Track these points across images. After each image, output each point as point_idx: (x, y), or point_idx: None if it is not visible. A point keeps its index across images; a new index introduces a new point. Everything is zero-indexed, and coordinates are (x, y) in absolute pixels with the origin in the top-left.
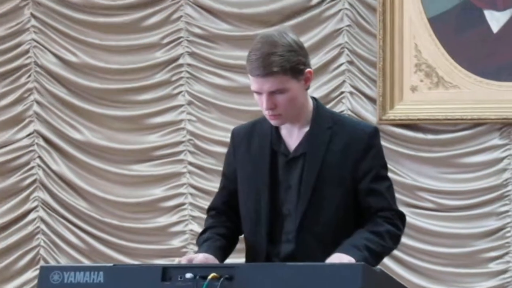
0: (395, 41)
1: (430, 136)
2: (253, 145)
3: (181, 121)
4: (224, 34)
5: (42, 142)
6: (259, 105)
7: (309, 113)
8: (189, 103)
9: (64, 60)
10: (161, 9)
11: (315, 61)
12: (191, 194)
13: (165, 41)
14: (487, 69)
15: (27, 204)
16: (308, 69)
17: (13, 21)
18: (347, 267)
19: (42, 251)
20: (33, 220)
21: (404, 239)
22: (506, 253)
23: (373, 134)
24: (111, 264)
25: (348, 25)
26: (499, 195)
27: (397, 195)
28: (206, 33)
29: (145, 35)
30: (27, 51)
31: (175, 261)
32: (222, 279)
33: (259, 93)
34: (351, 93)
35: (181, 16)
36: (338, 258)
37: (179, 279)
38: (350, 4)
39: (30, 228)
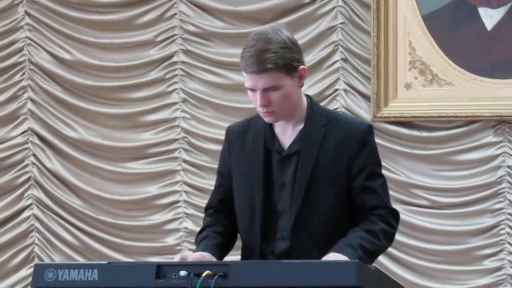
0: (389, 38)
1: (424, 134)
2: (247, 142)
3: (175, 118)
4: (218, 32)
5: (36, 140)
6: (253, 103)
7: (303, 111)
8: (184, 100)
9: (58, 57)
10: (155, 7)
11: (309, 58)
12: (185, 191)
13: (159, 38)
14: (481, 66)
15: (21, 202)
16: (302, 66)
17: (7, 19)
18: (341, 265)
19: (36, 249)
20: (28, 218)
21: (398, 237)
22: (501, 251)
23: (367, 131)
24: (106, 262)
25: (342, 23)
26: (494, 193)
27: (391, 193)
28: (200, 30)
29: (139, 33)
30: (21, 49)
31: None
32: (216, 276)
33: (253, 90)
34: (345, 90)
35: (175, 14)
36: (333, 257)
37: (173, 276)
38: (344, 2)
39: (24, 226)
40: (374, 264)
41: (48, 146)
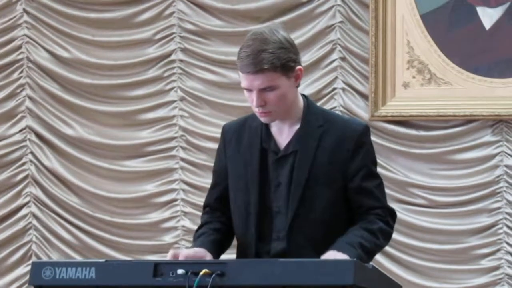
0: (388, 37)
1: (422, 133)
2: (243, 142)
3: (173, 117)
4: (217, 30)
5: (34, 138)
6: (249, 102)
7: (299, 111)
8: (181, 99)
9: (56, 55)
10: (153, 5)
11: (307, 57)
12: (183, 190)
13: (157, 37)
14: (479, 65)
15: (19, 199)
16: (298, 67)
17: (5, 16)
18: (339, 263)
19: (34, 247)
20: (25, 215)
21: (395, 236)
22: (498, 250)
23: (364, 132)
24: (103, 260)
25: (340, 22)
26: (491, 192)
27: (389, 192)
28: (198, 29)
29: (138, 31)
30: (19, 47)
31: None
32: (213, 275)
33: (249, 90)
34: (343, 89)
35: (173, 12)
36: (333, 256)
37: (171, 275)
38: (343, 1)
39: (22, 224)
40: (371, 263)
41: (46, 144)
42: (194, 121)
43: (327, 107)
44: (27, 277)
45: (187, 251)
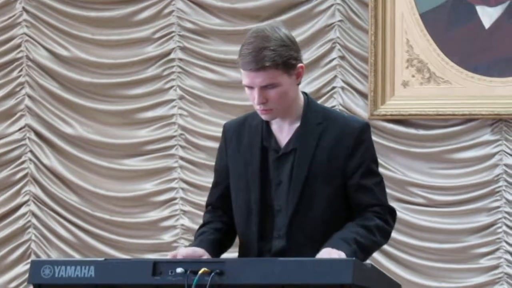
0: (387, 36)
1: (421, 132)
2: (244, 140)
3: (172, 115)
4: (216, 29)
5: (33, 136)
6: (250, 100)
7: (300, 109)
8: (181, 97)
9: (55, 54)
10: (152, 4)
11: (307, 56)
12: (182, 188)
13: (156, 35)
14: (479, 64)
15: (18, 198)
16: (300, 64)
17: (5, 15)
18: (338, 263)
19: (33, 245)
20: (24, 214)
21: (394, 234)
22: (497, 249)
23: (364, 129)
24: (102, 259)
25: (339, 20)
26: (490, 191)
27: (388, 190)
28: (197, 27)
29: (137, 30)
30: (19, 45)
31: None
32: (212, 273)
33: (250, 87)
34: (342, 88)
35: (172, 11)
36: (328, 253)
37: (170, 273)
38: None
39: (21, 222)
40: (370, 262)
41: (45, 143)
42: (193, 119)
43: (326, 105)
44: (26, 275)
45: (185, 250)
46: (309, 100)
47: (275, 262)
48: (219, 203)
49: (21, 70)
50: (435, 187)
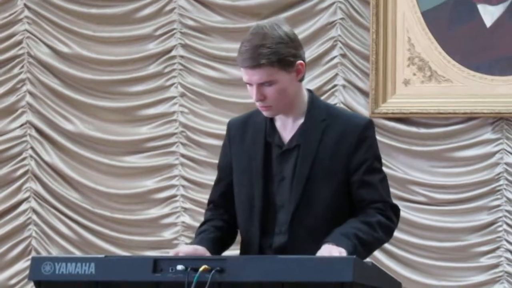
0: (388, 34)
1: (422, 130)
2: (248, 136)
3: (173, 113)
4: (217, 26)
5: (34, 133)
6: (251, 97)
7: (303, 105)
8: (182, 95)
9: (57, 51)
10: (154, 1)
11: (308, 54)
12: (183, 186)
13: (158, 32)
14: (480, 63)
15: (19, 194)
16: (299, 61)
17: (6, 11)
18: (338, 261)
19: (33, 242)
20: (25, 210)
21: (395, 233)
22: (498, 248)
23: (367, 126)
24: (103, 256)
25: (341, 18)
26: (491, 189)
27: None
28: (199, 25)
29: (138, 27)
30: (20, 42)
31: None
32: (213, 271)
33: (250, 84)
34: (343, 86)
35: (174, 8)
36: (328, 250)
37: (170, 271)
38: None
39: (22, 219)
40: (370, 260)
41: (46, 139)
42: (194, 117)
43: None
44: (27, 272)
45: (186, 248)
46: (313, 97)
47: (275, 259)
48: (221, 200)
49: (22, 67)
50: (436, 185)
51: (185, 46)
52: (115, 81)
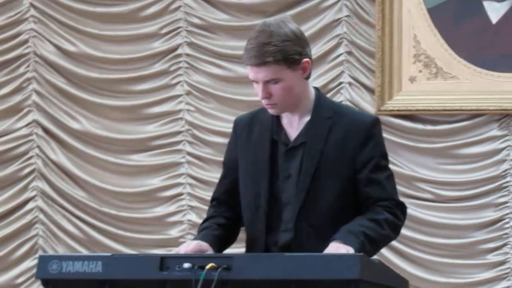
0: (394, 31)
1: (428, 127)
2: (254, 134)
3: (179, 111)
4: (223, 24)
5: (40, 132)
6: (257, 95)
7: (310, 103)
8: (188, 93)
9: (63, 49)
10: None
11: (314, 51)
12: (189, 184)
13: (163, 31)
14: (486, 59)
15: (25, 193)
16: (305, 59)
17: (12, 10)
18: (344, 258)
19: (40, 241)
20: (32, 209)
21: (402, 230)
22: (504, 244)
23: (373, 124)
24: (109, 254)
25: (347, 16)
26: (498, 186)
27: None
28: (204, 23)
29: (144, 25)
30: (26, 41)
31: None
32: (220, 269)
33: (256, 82)
34: (349, 83)
35: (180, 6)
36: (335, 248)
37: (177, 268)
38: None
39: (28, 218)
40: (377, 257)
41: (52, 138)
42: (201, 115)
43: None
44: (33, 270)
45: (191, 243)
46: (320, 95)
47: (282, 257)
48: (225, 197)
49: (28, 66)
50: (443, 182)
51: (190, 44)
52: (121, 80)
